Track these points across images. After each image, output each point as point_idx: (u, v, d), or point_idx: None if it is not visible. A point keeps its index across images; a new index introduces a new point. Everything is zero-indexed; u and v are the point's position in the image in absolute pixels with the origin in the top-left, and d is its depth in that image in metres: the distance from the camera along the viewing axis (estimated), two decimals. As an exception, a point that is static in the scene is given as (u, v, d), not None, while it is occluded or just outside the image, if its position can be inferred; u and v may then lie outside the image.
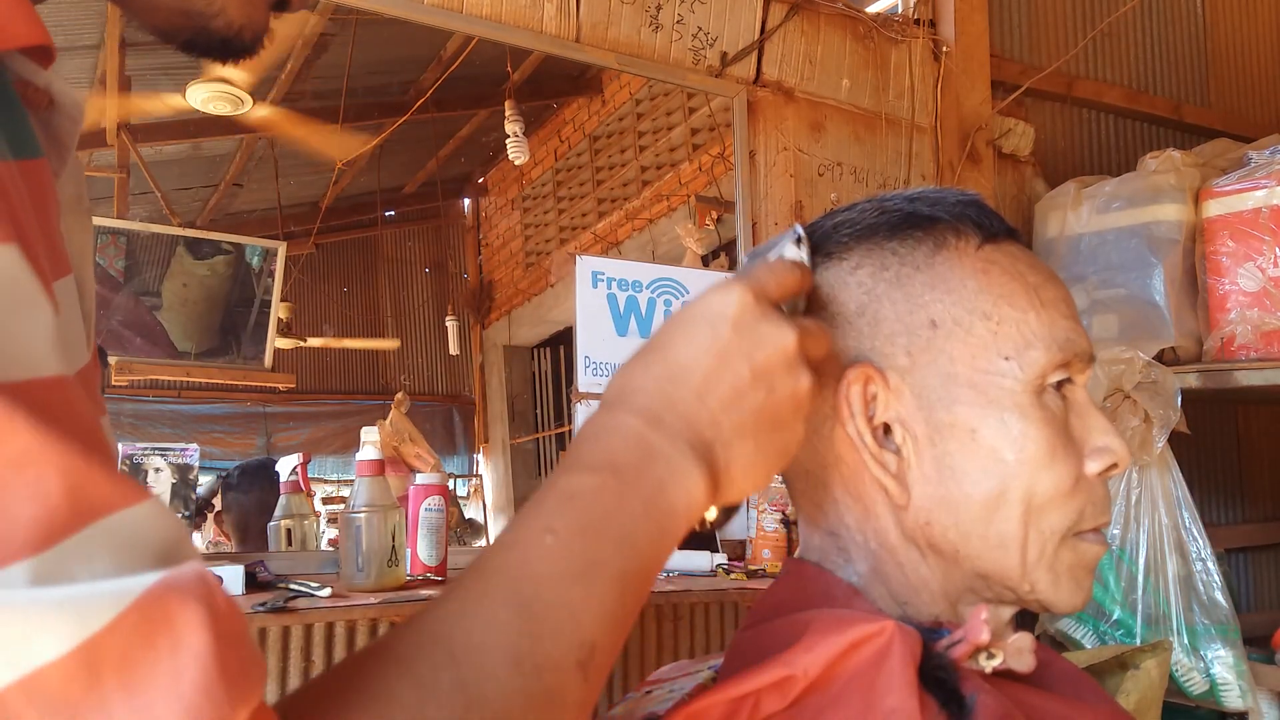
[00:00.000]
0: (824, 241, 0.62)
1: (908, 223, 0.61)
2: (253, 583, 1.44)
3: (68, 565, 0.28)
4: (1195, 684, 1.86)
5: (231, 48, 0.50)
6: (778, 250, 0.59)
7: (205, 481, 2.52)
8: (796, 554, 0.66)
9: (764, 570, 1.80)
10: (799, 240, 0.59)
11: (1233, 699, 1.86)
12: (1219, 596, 1.87)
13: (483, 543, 3.64)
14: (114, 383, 2.90)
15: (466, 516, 4.03)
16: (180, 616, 0.29)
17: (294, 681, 1.28)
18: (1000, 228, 0.61)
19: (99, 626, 0.28)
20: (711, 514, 0.54)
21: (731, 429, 0.49)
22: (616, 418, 0.48)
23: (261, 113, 2.95)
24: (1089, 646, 1.91)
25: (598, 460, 0.46)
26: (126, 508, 0.30)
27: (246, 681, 0.29)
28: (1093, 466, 0.58)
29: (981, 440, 0.57)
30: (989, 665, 0.55)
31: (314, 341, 3.84)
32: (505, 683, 0.38)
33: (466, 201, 4.57)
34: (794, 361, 0.51)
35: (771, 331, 0.50)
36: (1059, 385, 0.59)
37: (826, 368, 0.59)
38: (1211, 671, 1.86)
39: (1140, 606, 1.90)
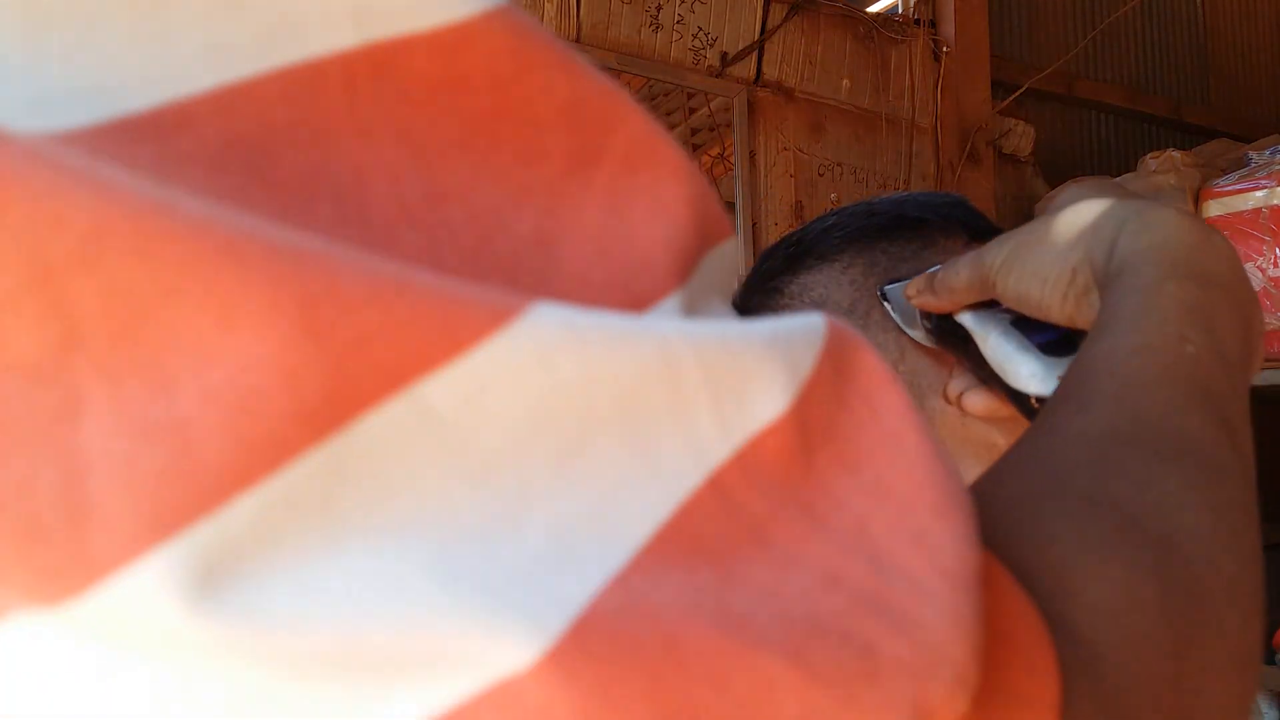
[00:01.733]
0: (815, 245, 0.63)
1: (896, 224, 0.62)
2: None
3: (702, 297, 0.20)
4: (1195, 684, 1.86)
5: None
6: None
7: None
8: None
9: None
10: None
11: (1233, 699, 1.86)
12: (1219, 597, 1.87)
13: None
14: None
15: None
16: (862, 362, 0.20)
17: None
18: (987, 227, 0.62)
19: (805, 374, 0.19)
20: None
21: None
22: (1195, 227, 0.41)
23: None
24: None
25: (1194, 270, 0.38)
26: (727, 240, 0.22)
27: (960, 482, 0.20)
28: None
29: (972, 427, 0.57)
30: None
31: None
32: (1225, 498, 0.28)
33: (466, 201, 4.57)
34: None
35: None
36: None
37: None
38: (1211, 672, 1.86)
39: (1140, 607, 1.90)
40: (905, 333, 0.58)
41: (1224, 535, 0.27)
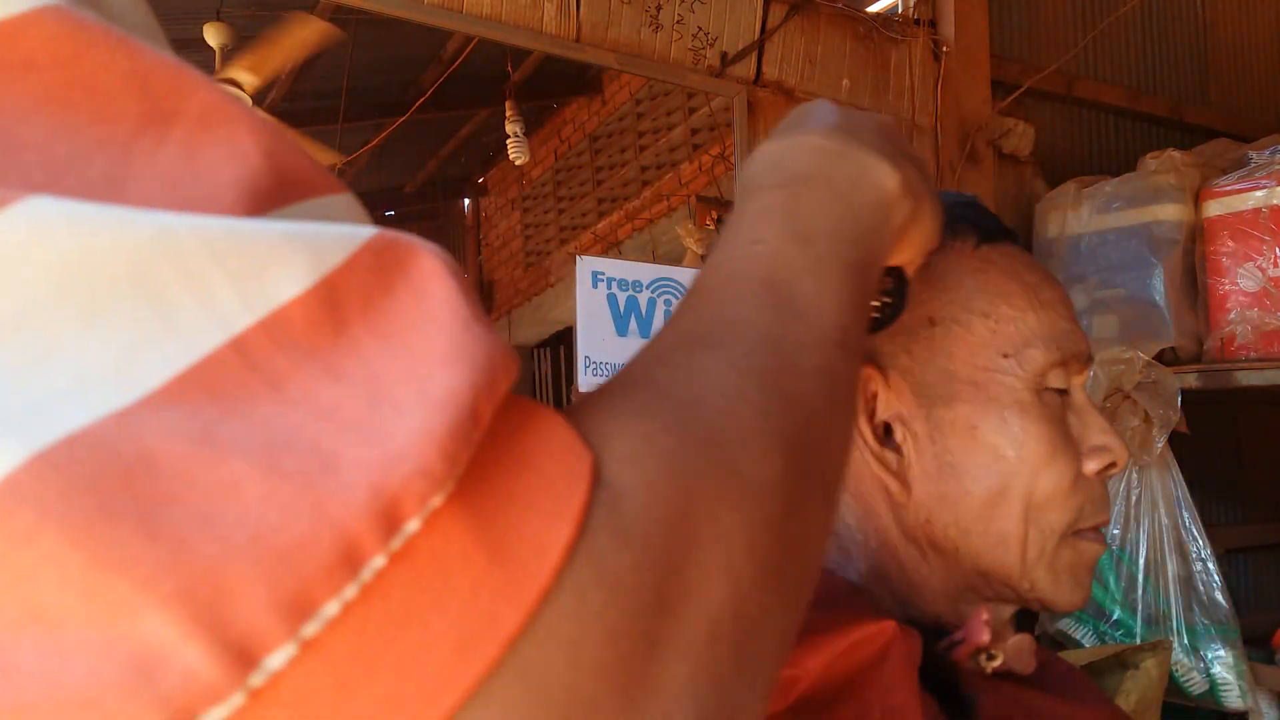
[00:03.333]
0: None
1: None
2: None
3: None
4: (1195, 684, 1.86)
5: None
6: None
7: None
8: (797, 553, 0.66)
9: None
10: None
11: (1232, 699, 1.86)
12: (1219, 597, 1.87)
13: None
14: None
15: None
16: (415, 262, 0.24)
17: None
18: (997, 228, 0.62)
19: (335, 263, 0.23)
20: (887, 286, 0.52)
21: (895, 152, 0.47)
22: (785, 142, 0.46)
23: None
24: (1089, 646, 1.91)
25: (780, 178, 0.44)
26: (331, 194, 0.26)
27: (503, 349, 0.24)
28: (1091, 465, 0.58)
29: (982, 437, 0.57)
30: (989, 666, 0.55)
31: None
32: (774, 362, 0.34)
33: (466, 201, 4.57)
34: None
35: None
36: (1060, 390, 0.59)
37: None
38: (1211, 671, 1.86)
39: (1140, 606, 1.90)
40: None
41: (750, 391, 0.31)
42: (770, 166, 0.45)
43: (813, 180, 0.44)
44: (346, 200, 0.26)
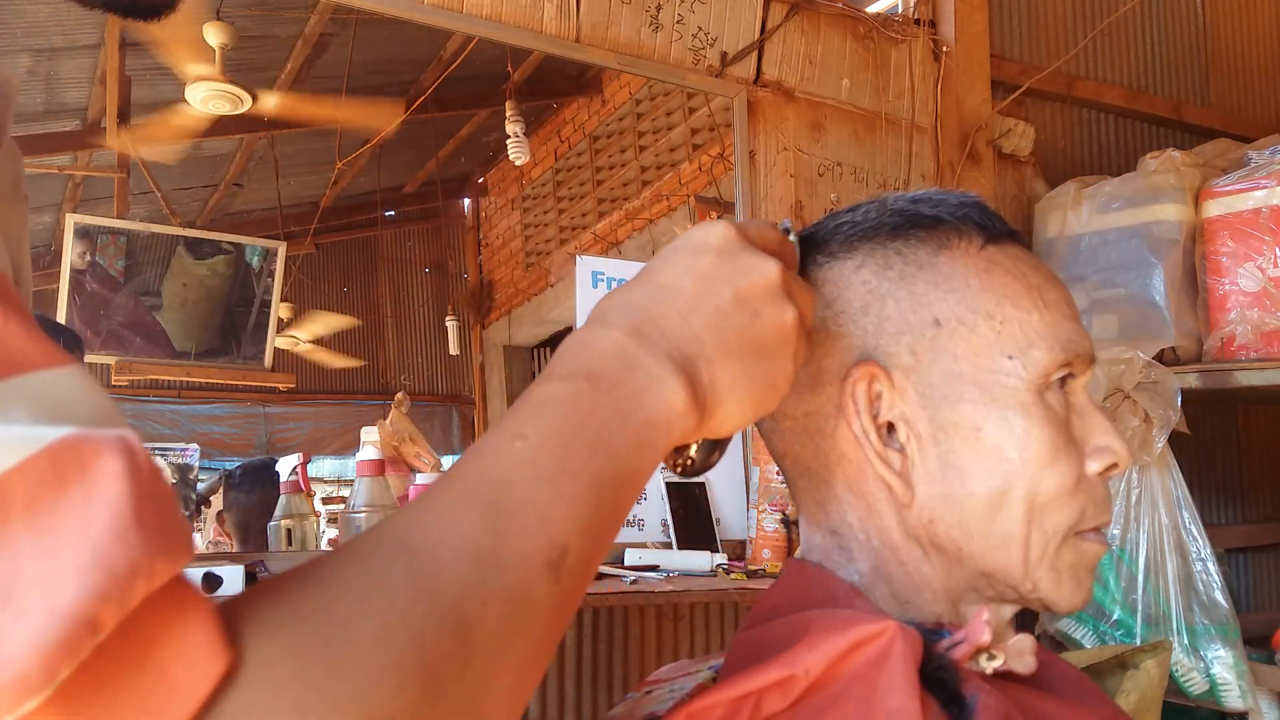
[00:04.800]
0: (827, 241, 0.62)
1: (911, 223, 0.61)
2: (252, 582, 1.43)
3: None
4: (1195, 684, 1.86)
5: (140, 8, 0.52)
6: None
7: (206, 478, 2.52)
8: (797, 554, 0.66)
9: (764, 570, 1.80)
10: (787, 231, 0.59)
11: (1233, 699, 1.86)
12: (1219, 597, 1.87)
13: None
14: (114, 382, 2.90)
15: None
16: (96, 465, 0.26)
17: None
18: (1002, 229, 0.62)
19: (6, 467, 0.25)
20: (694, 450, 0.53)
21: (715, 347, 0.48)
22: (595, 331, 0.47)
23: (272, 101, 2.94)
24: (1089, 646, 1.91)
25: (573, 370, 0.45)
26: (49, 369, 0.28)
27: (167, 537, 0.27)
28: (1093, 466, 0.58)
29: (985, 438, 0.57)
30: (990, 666, 0.55)
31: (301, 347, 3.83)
32: (462, 576, 0.36)
33: (466, 201, 4.56)
34: (778, 291, 0.50)
35: (754, 260, 0.50)
36: (1061, 383, 0.59)
37: (830, 365, 0.60)
38: (1211, 671, 1.86)
39: (1140, 606, 1.90)
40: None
41: (416, 616, 0.34)
42: (575, 349, 0.47)
43: (599, 382, 0.44)
44: (68, 374, 0.29)
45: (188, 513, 2.17)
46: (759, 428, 0.65)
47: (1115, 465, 0.59)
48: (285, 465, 2.36)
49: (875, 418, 0.59)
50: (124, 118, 2.99)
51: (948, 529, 0.58)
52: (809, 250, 0.63)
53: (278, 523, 2.09)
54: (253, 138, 3.59)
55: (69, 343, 1.85)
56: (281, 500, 2.14)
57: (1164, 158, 2.17)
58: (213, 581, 1.29)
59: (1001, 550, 0.57)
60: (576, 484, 0.41)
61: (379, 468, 1.53)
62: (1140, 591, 1.90)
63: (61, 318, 2.72)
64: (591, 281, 2.01)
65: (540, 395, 0.44)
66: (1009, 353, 0.57)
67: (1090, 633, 1.96)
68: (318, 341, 3.90)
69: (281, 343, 3.24)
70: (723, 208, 2.55)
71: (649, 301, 0.48)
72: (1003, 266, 0.60)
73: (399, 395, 3.50)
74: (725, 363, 0.48)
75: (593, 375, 0.44)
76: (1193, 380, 1.98)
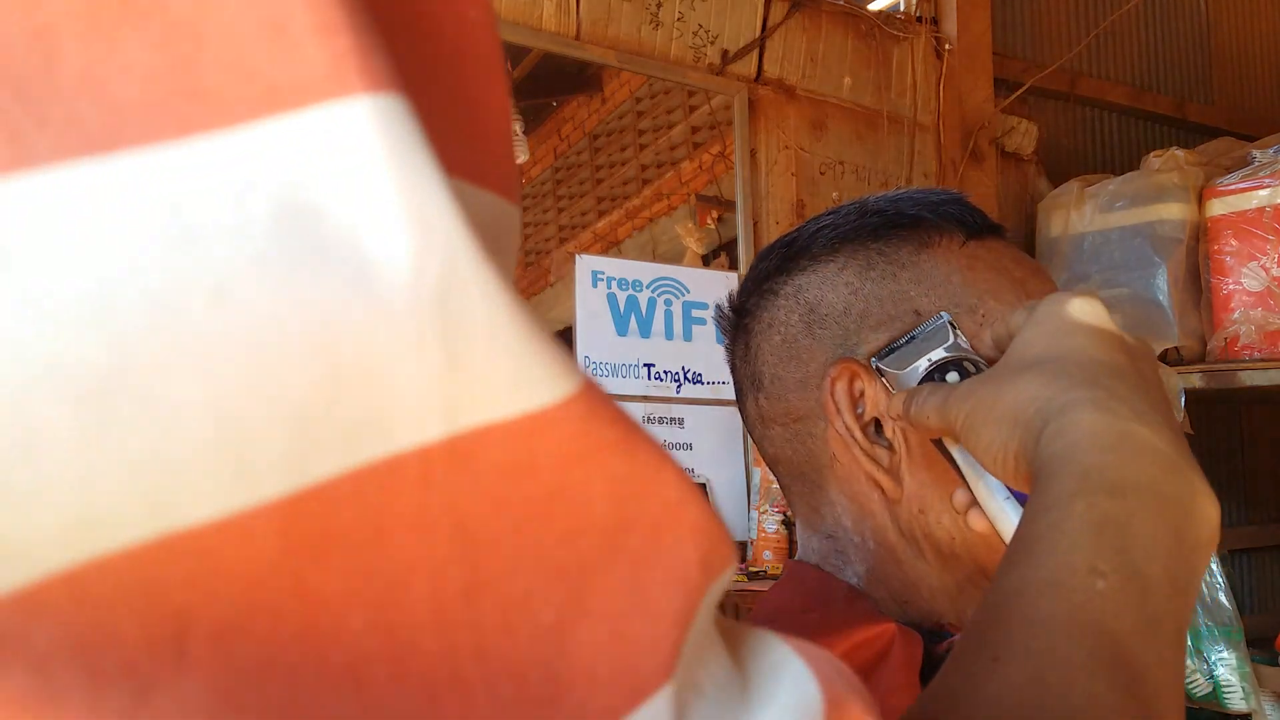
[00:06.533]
0: (809, 245, 0.62)
1: (892, 223, 0.60)
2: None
3: (694, 674, 0.20)
4: (1198, 686, 1.85)
5: None
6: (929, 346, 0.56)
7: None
8: (796, 556, 0.65)
9: (765, 572, 1.79)
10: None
11: (1236, 701, 1.85)
12: (1222, 598, 1.86)
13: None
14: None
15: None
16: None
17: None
18: (984, 224, 0.61)
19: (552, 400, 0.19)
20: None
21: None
22: (1117, 425, 0.38)
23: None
24: (1091, 648, 1.91)
25: (1112, 481, 0.36)
26: (727, 570, 0.22)
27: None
28: None
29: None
30: (991, 669, 0.54)
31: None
32: None
33: (467, 200, 4.56)
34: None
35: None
36: None
37: (814, 369, 0.59)
38: (1215, 673, 1.85)
39: (1143, 608, 1.89)
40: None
41: None
42: (1099, 450, 0.37)
43: (1143, 494, 0.36)
44: (729, 574, 0.22)
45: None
46: (750, 436, 0.65)
47: None
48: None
49: (860, 416, 0.58)
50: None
51: (938, 516, 0.57)
52: (792, 256, 0.62)
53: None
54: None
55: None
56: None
57: (1167, 156, 2.16)
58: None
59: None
60: (1164, 635, 0.33)
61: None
62: (1143, 593, 1.89)
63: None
64: (591, 281, 2.00)
65: (1095, 515, 0.35)
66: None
67: (1093, 634, 1.95)
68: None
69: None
70: (724, 206, 2.54)
71: (1134, 389, 0.42)
72: (985, 261, 0.59)
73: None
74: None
75: (1136, 486, 0.36)
76: (1196, 380, 1.98)
